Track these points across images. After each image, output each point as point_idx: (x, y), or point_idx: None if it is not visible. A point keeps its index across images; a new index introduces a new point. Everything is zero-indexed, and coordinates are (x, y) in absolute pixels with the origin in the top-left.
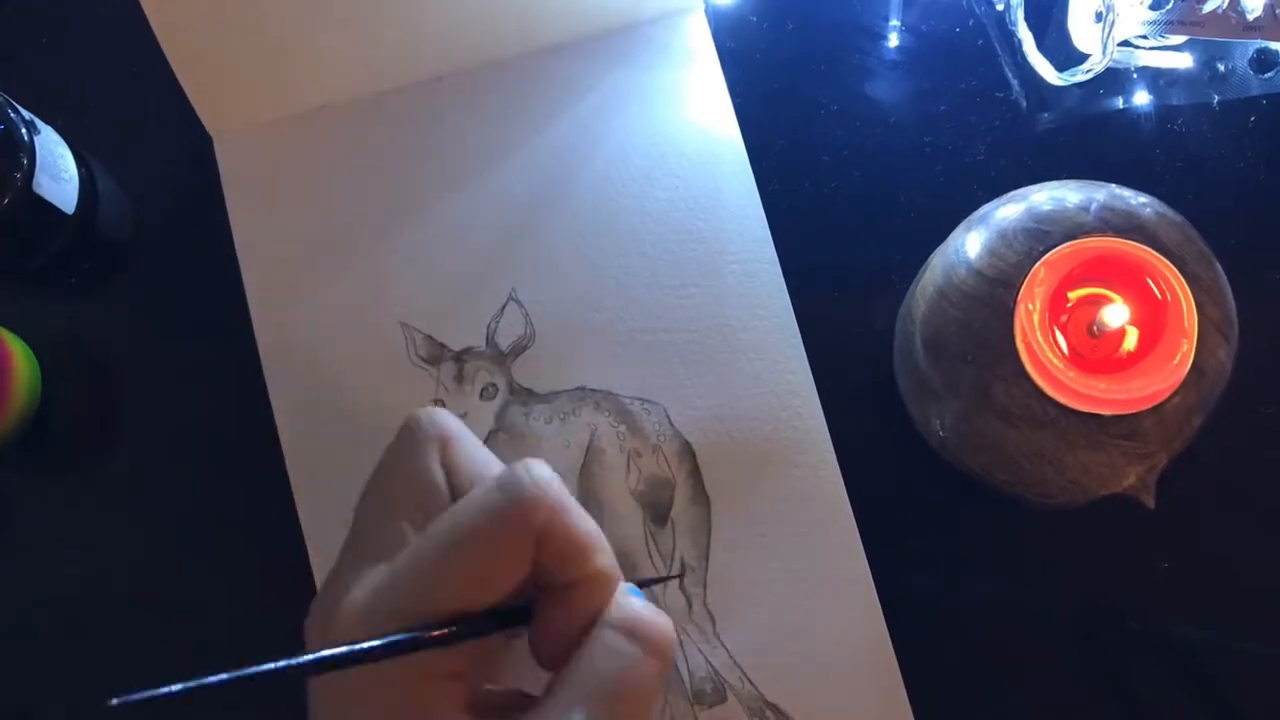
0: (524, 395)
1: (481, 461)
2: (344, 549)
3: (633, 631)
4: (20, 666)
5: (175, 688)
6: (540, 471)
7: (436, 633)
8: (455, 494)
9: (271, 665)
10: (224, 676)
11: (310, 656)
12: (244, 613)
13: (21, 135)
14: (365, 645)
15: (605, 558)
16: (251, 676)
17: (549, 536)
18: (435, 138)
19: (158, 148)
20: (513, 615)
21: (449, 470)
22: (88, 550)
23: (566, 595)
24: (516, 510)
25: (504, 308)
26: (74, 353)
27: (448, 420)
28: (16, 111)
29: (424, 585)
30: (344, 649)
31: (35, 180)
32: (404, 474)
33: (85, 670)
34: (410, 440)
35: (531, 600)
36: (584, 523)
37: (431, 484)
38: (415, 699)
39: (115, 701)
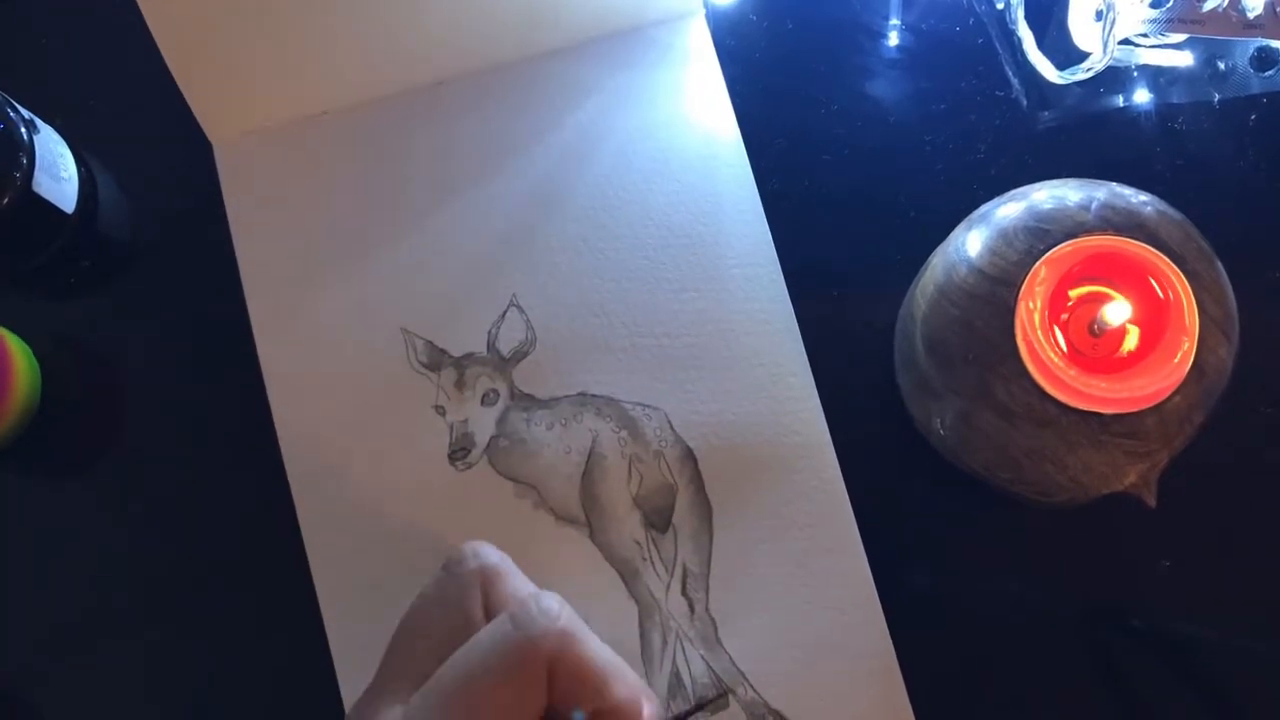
0: (525, 401)
1: (525, 595)
2: (377, 675)
3: None
4: (21, 665)
5: None
6: (548, 603)
7: None
8: None
9: None
10: None
11: None
12: (243, 612)
13: (21, 134)
14: None
15: (623, 688)
16: None
17: (561, 668)
18: (434, 143)
19: (158, 147)
20: None
21: (492, 607)
22: (88, 550)
23: None
24: (523, 642)
25: (505, 313)
26: (74, 353)
27: (490, 555)
28: (16, 111)
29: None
30: None
31: (35, 180)
32: (442, 609)
33: (86, 670)
34: (452, 575)
35: None
36: (599, 653)
37: (469, 621)
38: None
39: None
